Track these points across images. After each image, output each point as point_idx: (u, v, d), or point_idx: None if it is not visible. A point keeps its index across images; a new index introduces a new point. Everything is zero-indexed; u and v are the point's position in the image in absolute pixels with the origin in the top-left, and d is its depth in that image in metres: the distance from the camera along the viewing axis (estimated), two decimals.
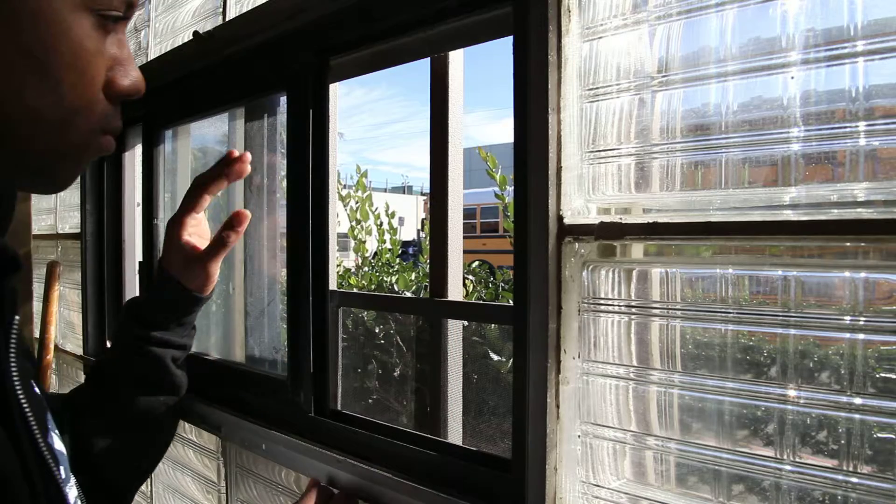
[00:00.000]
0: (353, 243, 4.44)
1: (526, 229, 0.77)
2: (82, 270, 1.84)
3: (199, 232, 1.00)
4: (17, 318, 0.49)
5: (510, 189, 3.71)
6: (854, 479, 0.57)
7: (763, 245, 0.63)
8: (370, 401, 3.72)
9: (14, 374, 0.48)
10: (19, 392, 0.48)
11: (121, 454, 0.96)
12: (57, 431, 0.59)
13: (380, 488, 0.93)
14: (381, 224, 4.46)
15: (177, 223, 0.99)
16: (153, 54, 1.62)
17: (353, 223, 4.33)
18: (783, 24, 0.60)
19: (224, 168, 0.97)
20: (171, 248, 1.00)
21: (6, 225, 0.56)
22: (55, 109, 0.52)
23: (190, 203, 0.99)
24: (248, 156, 0.98)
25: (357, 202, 4.38)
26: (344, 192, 4.52)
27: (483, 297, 3.65)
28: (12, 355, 0.48)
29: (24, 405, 0.49)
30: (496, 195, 4.18)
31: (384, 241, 4.43)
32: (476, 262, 4.54)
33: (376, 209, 4.50)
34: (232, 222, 0.97)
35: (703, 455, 0.67)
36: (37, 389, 0.57)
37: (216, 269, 1.00)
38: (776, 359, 0.62)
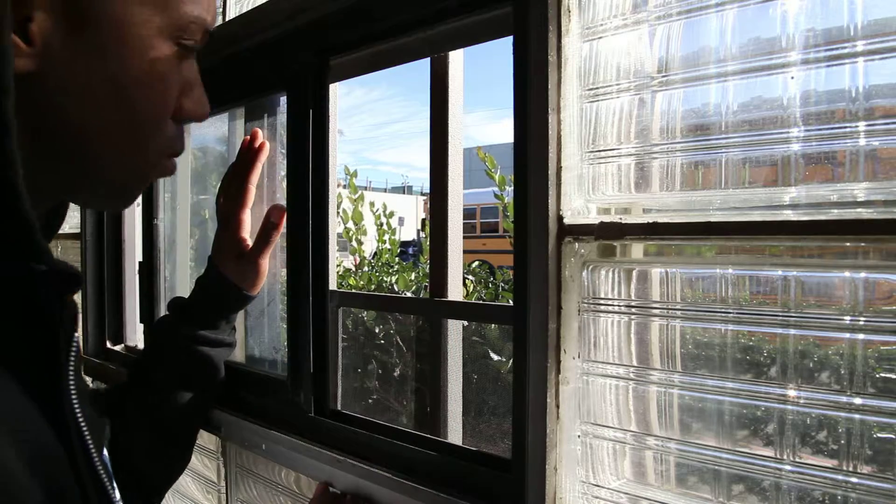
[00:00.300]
0: (349, 245, 4.43)
1: (526, 229, 0.77)
2: (82, 270, 1.84)
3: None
4: (76, 335, 0.49)
5: (509, 189, 3.71)
6: (854, 479, 0.57)
7: (763, 245, 0.63)
8: (370, 401, 3.72)
9: (73, 392, 0.48)
10: (78, 411, 0.49)
11: (160, 455, 0.96)
12: None
13: (379, 488, 0.93)
14: (382, 224, 4.46)
15: (232, 220, 1.01)
16: None
17: (351, 224, 4.31)
18: (783, 24, 0.60)
19: (249, 154, 1.00)
20: (226, 245, 1.02)
21: (53, 235, 0.58)
22: (128, 132, 0.53)
23: (239, 199, 1.02)
24: (258, 131, 1.01)
25: (351, 203, 4.37)
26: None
27: (483, 297, 3.65)
28: (71, 374, 0.48)
29: (83, 425, 0.49)
30: (495, 195, 4.17)
31: (383, 242, 4.42)
32: (476, 262, 4.53)
33: (377, 210, 4.49)
34: (272, 217, 1.00)
35: (703, 455, 0.67)
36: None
37: (266, 265, 1.02)
38: (776, 359, 0.62)
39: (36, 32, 0.46)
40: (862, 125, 0.56)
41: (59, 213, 0.59)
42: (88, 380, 1.81)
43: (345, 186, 4.41)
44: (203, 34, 0.56)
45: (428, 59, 1.02)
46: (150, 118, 0.54)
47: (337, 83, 1.15)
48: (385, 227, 4.50)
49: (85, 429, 0.49)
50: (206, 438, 1.41)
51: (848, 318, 0.57)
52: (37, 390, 0.45)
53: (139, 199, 1.73)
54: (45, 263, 0.44)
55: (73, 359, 0.49)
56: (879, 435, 0.56)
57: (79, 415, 0.49)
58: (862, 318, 0.56)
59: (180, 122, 0.58)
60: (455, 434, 1.06)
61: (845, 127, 0.57)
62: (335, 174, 1.16)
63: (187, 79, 0.57)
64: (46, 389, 0.46)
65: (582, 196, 0.75)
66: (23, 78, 0.46)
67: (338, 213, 4.20)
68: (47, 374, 0.46)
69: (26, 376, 0.44)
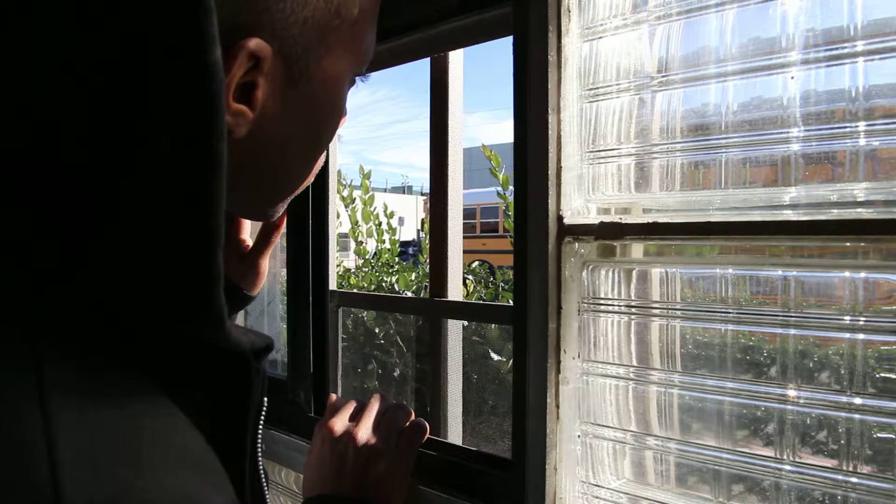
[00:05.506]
0: (353, 245, 4.44)
1: (526, 229, 0.77)
2: None
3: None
4: (265, 400, 0.49)
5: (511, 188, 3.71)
6: (854, 479, 0.57)
7: (763, 245, 0.63)
8: None
9: (260, 457, 0.49)
10: (263, 477, 0.50)
11: None
12: None
13: None
14: (381, 224, 4.46)
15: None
16: None
17: (360, 223, 4.32)
18: (783, 24, 0.60)
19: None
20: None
21: None
22: (308, 164, 0.56)
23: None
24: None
25: (361, 203, 4.37)
26: (345, 193, 4.50)
27: (483, 297, 3.66)
28: (259, 439, 0.49)
29: (265, 488, 0.50)
30: (499, 194, 4.17)
31: (382, 242, 4.43)
32: (476, 262, 4.54)
33: (374, 208, 4.49)
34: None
35: (703, 455, 0.67)
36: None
37: (266, 265, 1.03)
38: (776, 359, 0.62)
39: (258, 99, 0.46)
40: (862, 125, 0.56)
41: None
42: None
43: (351, 185, 4.42)
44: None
45: (428, 59, 1.02)
46: (325, 148, 0.57)
47: None
48: (385, 227, 4.50)
49: (266, 493, 0.50)
50: None
51: (848, 318, 0.57)
52: (226, 454, 0.43)
53: None
54: (239, 342, 0.42)
55: (262, 422, 0.49)
56: (879, 435, 0.56)
57: (263, 480, 0.50)
58: (862, 318, 0.56)
59: None
60: (455, 434, 1.06)
61: (845, 127, 0.57)
62: (335, 174, 1.16)
63: None
64: (234, 453, 0.44)
65: (582, 196, 0.75)
66: (235, 139, 0.46)
67: (346, 211, 4.22)
68: (236, 439, 0.45)
69: (216, 442, 0.42)
